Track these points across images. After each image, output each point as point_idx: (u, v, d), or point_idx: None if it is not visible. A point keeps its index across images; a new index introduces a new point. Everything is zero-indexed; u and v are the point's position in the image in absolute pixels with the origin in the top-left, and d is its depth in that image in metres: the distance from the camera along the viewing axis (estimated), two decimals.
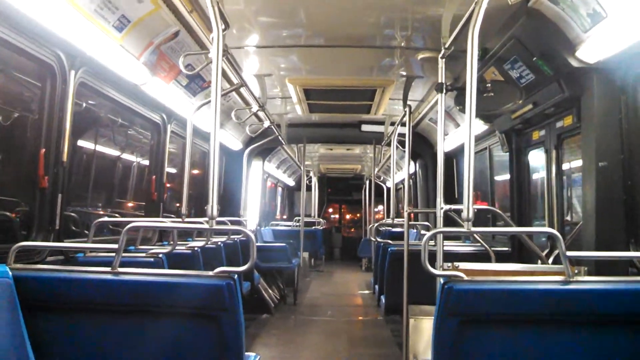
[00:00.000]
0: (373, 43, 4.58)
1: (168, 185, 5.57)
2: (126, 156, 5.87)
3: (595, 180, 3.45)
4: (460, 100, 4.66)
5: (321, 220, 13.63)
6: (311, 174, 14.43)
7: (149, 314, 2.50)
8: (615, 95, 3.44)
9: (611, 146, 3.44)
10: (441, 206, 3.37)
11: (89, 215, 4.91)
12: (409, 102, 5.23)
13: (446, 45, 3.43)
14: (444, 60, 3.54)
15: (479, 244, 5.09)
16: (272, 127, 6.87)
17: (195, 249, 4.45)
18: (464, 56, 2.63)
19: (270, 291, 7.92)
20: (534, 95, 4.26)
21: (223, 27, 2.76)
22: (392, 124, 7.46)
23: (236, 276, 2.43)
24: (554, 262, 4.14)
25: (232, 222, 5.98)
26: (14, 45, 2.93)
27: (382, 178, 14.10)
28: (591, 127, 3.55)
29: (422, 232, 7.41)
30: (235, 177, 7.90)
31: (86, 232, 3.96)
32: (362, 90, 5.95)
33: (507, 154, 5.49)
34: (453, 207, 3.42)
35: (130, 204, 6.02)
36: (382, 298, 5.76)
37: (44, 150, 3.32)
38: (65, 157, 3.43)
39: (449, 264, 2.82)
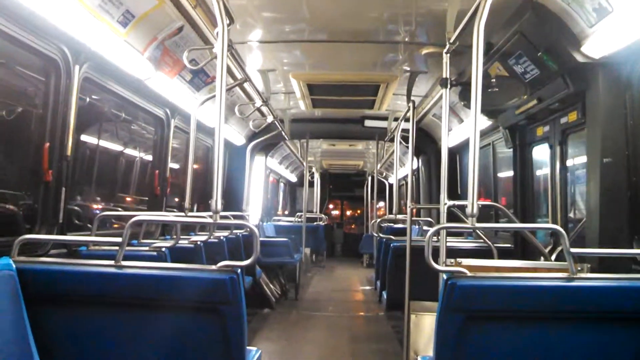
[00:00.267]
0: (377, 38, 4.57)
1: (171, 180, 5.57)
2: (130, 151, 5.88)
3: (599, 176, 3.44)
4: (464, 96, 4.65)
5: (323, 216, 13.64)
6: (313, 169, 14.42)
7: (152, 308, 2.51)
8: (620, 91, 3.42)
9: (616, 142, 3.42)
10: (445, 202, 3.37)
11: (92, 209, 4.92)
12: (412, 98, 5.21)
13: (451, 40, 3.42)
14: (448, 55, 3.53)
15: (482, 240, 5.09)
16: (276, 122, 6.87)
17: (198, 243, 4.46)
18: (469, 51, 2.62)
19: (272, 286, 7.94)
20: (539, 91, 4.24)
21: (228, 22, 2.75)
22: (396, 119, 7.44)
23: (239, 270, 2.43)
24: (557, 259, 4.13)
25: (235, 217, 5.99)
26: (19, 40, 2.94)
27: (384, 174, 14.09)
28: (596, 123, 3.54)
29: (425, 228, 7.41)
30: (238, 172, 7.91)
31: (89, 225, 3.97)
32: (366, 86, 5.94)
33: (511, 149, 5.47)
34: (457, 203, 3.41)
35: (133, 198, 6.03)
36: (384, 294, 5.77)
37: (48, 144, 3.33)
38: (69, 152, 3.44)
39: (452, 260, 2.82)
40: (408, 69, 5.41)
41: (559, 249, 4.37)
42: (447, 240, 3.63)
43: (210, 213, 2.66)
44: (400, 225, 8.27)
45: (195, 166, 6.69)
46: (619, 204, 3.41)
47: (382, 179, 13.91)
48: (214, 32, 2.83)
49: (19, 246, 2.56)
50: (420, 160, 8.98)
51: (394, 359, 5.23)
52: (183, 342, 2.49)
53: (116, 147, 5.64)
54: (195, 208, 7.01)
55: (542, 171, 5.22)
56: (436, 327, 2.41)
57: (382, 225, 8.70)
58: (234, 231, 5.80)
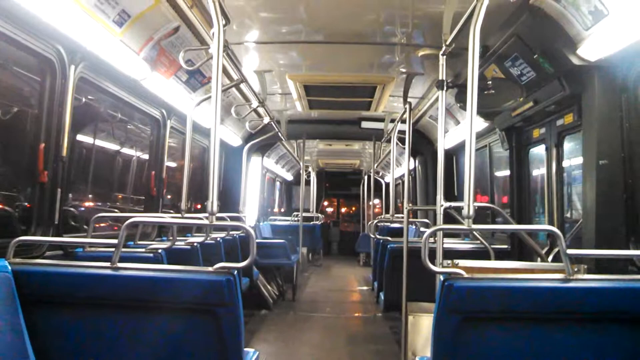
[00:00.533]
0: (373, 40, 4.57)
1: (167, 180, 5.56)
2: (126, 151, 5.87)
3: (595, 178, 3.45)
4: (460, 98, 4.65)
5: (319, 215, 13.64)
6: (310, 168, 14.42)
7: (148, 309, 2.50)
8: (616, 94, 3.44)
9: (612, 144, 3.43)
10: (441, 203, 3.37)
11: (88, 210, 4.90)
12: (409, 99, 5.22)
13: (447, 43, 3.42)
14: (444, 57, 3.54)
15: (478, 242, 5.09)
16: (272, 123, 6.87)
17: (195, 244, 4.45)
18: (465, 53, 2.62)
19: (269, 287, 7.93)
20: (535, 93, 4.26)
21: (224, 22, 2.75)
22: (392, 120, 7.46)
23: (235, 272, 2.43)
24: (553, 260, 4.14)
25: (232, 218, 5.98)
26: (14, 39, 2.93)
27: (380, 173, 14.10)
28: (592, 125, 3.55)
29: (422, 229, 7.41)
30: (235, 173, 7.91)
31: (85, 227, 3.96)
32: (362, 87, 5.94)
33: (507, 151, 5.48)
34: (453, 204, 3.42)
35: (129, 199, 6.01)
36: (381, 295, 5.77)
37: (43, 145, 3.31)
38: (64, 152, 3.42)
39: (449, 261, 2.82)
40: (404, 70, 5.42)
41: (556, 250, 4.38)
42: (444, 241, 3.64)
43: (207, 214, 2.65)
44: (396, 225, 8.28)
45: (192, 167, 6.68)
46: (615, 205, 3.42)
47: (379, 178, 13.91)
48: (210, 33, 2.81)
49: (15, 248, 2.55)
50: (416, 161, 8.99)
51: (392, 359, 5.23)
52: (179, 345, 2.48)
53: (112, 147, 5.63)
54: (191, 208, 7.00)
55: (539, 173, 5.24)
56: (433, 328, 2.41)
57: (379, 225, 8.71)
58: (231, 232, 5.79)
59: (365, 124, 8.02)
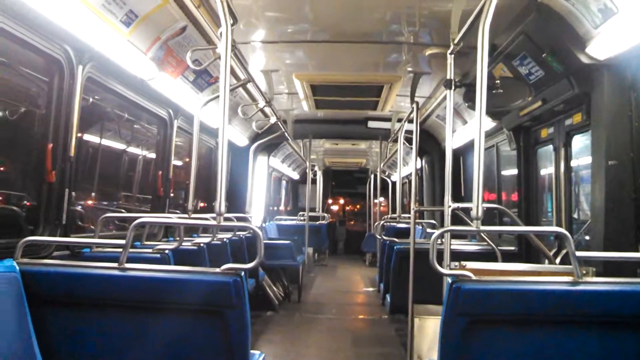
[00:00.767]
0: (380, 39, 4.56)
1: (174, 180, 5.57)
2: (133, 151, 5.88)
3: (604, 178, 3.42)
4: (468, 97, 4.62)
5: (325, 215, 13.64)
6: (316, 168, 14.41)
7: (155, 310, 2.50)
8: (625, 93, 3.40)
9: (621, 144, 3.40)
10: (449, 204, 3.34)
11: (95, 210, 4.92)
12: (416, 99, 5.19)
13: (455, 41, 3.40)
14: (452, 56, 3.51)
15: (485, 243, 5.06)
16: (279, 123, 6.86)
17: (201, 245, 4.45)
18: (473, 52, 2.60)
19: (274, 288, 7.92)
20: (543, 92, 4.22)
21: (231, 22, 2.74)
22: (399, 120, 7.43)
23: (242, 273, 2.42)
24: (562, 262, 4.11)
25: (238, 219, 5.98)
26: (23, 40, 2.94)
27: (387, 172, 14.06)
28: (601, 125, 3.51)
29: (428, 230, 7.38)
30: (241, 173, 7.91)
31: (93, 227, 3.97)
32: (369, 87, 5.93)
33: (515, 151, 5.45)
34: (461, 205, 3.39)
35: (136, 199, 6.03)
36: (387, 297, 5.74)
37: (51, 145, 3.32)
38: (72, 152, 3.43)
39: (456, 263, 2.80)
40: (412, 69, 5.40)
41: (564, 252, 4.34)
42: (451, 242, 3.61)
43: (214, 215, 2.64)
44: (403, 226, 8.24)
45: (199, 167, 6.69)
46: (624, 206, 3.38)
47: (385, 177, 13.87)
48: (217, 32, 2.81)
49: (23, 248, 2.56)
50: (423, 161, 8.96)
51: None
52: (186, 346, 2.48)
53: (119, 147, 5.65)
54: (198, 208, 7.01)
55: (547, 173, 5.20)
56: (440, 331, 2.39)
57: (385, 225, 8.68)
58: (237, 233, 5.79)
59: (372, 124, 8.00)
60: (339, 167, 16.85)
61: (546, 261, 4.36)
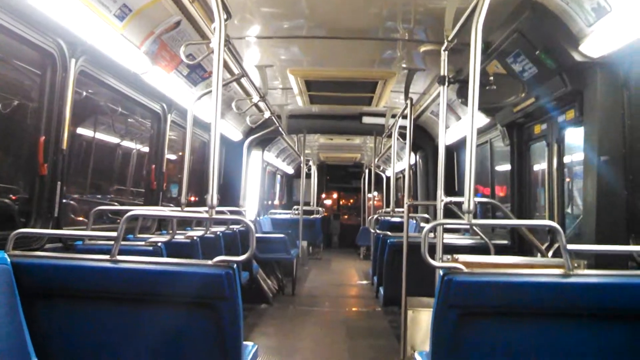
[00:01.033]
0: (375, 35, 4.56)
1: (168, 174, 5.56)
2: (126, 145, 5.87)
3: (596, 174, 3.45)
4: (462, 93, 4.65)
5: (320, 209, 13.66)
6: (310, 162, 14.42)
7: (148, 303, 2.50)
8: (618, 90, 3.43)
9: (613, 141, 3.43)
10: (442, 198, 3.37)
11: (88, 203, 4.91)
12: (410, 95, 5.21)
13: (449, 38, 3.41)
14: (446, 53, 3.53)
15: (479, 237, 5.09)
16: (273, 117, 6.86)
17: (194, 238, 4.46)
18: (467, 49, 2.62)
19: (268, 281, 7.94)
20: (536, 89, 4.25)
21: (225, 17, 2.74)
22: (394, 116, 7.44)
23: (235, 266, 2.43)
24: (553, 255, 4.14)
25: (232, 212, 5.98)
26: (15, 33, 2.92)
27: (381, 167, 14.09)
28: (593, 122, 3.54)
29: (422, 224, 7.42)
30: (235, 167, 7.91)
31: (85, 219, 3.96)
32: (364, 82, 5.93)
33: (509, 147, 5.48)
34: (453, 199, 3.42)
35: (129, 192, 6.01)
36: (381, 289, 5.78)
37: (43, 138, 3.31)
38: (64, 145, 3.42)
39: (449, 256, 2.82)
40: (406, 66, 5.41)
41: (556, 245, 4.38)
42: (445, 236, 3.63)
43: (207, 208, 2.65)
44: (397, 220, 8.28)
45: (192, 161, 6.68)
46: (615, 201, 3.42)
47: (379, 172, 13.90)
48: (211, 27, 2.81)
49: (14, 240, 2.56)
50: (418, 157, 8.99)
51: (391, 354, 5.24)
52: (178, 337, 2.49)
53: (112, 141, 5.63)
54: (192, 203, 7.01)
55: (539, 168, 5.23)
56: (432, 322, 2.42)
57: (379, 219, 8.71)
58: (231, 226, 5.80)
59: (366, 119, 8.02)
60: (334, 162, 16.88)
61: (538, 254, 4.40)
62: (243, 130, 7.91)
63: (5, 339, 2.22)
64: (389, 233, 6.08)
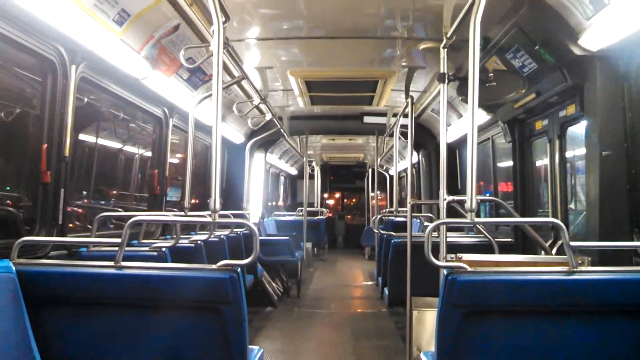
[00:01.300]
0: (374, 34, 4.56)
1: (171, 179, 5.57)
2: (128, 150, 5.88)
3: (599, 169, 3.44)
4: (462, 91, 4.63)
5: (324, 210, 13.63)
6: (313, 163, 14.41)
7: (153, 308, 2.51)
8: (618, 83, 3.42)
9: (615, 135, 3.41)
10: (444, 197, 3.36)
11: (91, 209, 4.92)
12: (411, 93, 5.21)
13: (448, 35, 3.41)
14: (445, 50, 3.52)
15: (482, 235, 5.08)
16: (274, 119, 6.86)
17: (198, 242, 4.46)
18: (466, 46, 2.61)
19: (273, 284, 7.94)
20: (537, 84, 4.23)
21: (223, 19, 2.74)
22: (395, 115, 7.44)
23: (239, 269, 2.43)
24: (557, 253, 4.13)
25: (235, 216, 5.99)
26: (15, 41, 2.93)
27: (384, 167, 14.09)
28: (594, 116, 3.53)
29: (425, 223, 7.40)
30: (238, 170, 7.91)
31: (89, 226, 3.97)
32: (364, 82, 5.93)
33: (510, 143, 5.46)
34: (456, 198, 3.41)
35: (133, 198, 6.03)
36: (386, 290, 5.77)
37: (46, 145, 3.32)
38: (67, 152, 3.43)
39: (452, 256, 2.81)
40: (406, 64, 5.40)
41: (559, 242, 4.37)
42: (448, 235, 3.62)
43: (210, 212, 2.65)
44: (400, 219, 8.26)
45: (195, 165, 6.69)
46: (618, 196, 3.41)
47: (383, 172, 13.89)
48: (210, 30, 2.81)
49: (19, 248, 2.56)
50: (420, 155, 8.97)
51: (397, 355, 5.23)
52: (184, 342, 2.49)
53: (115, 146, 5.64)
54: (195, 207, 7.01)
55: (542, 164, 5.21)
56: (437, 322, 2.41)
57: (383, 218, 8.69)
58: (235, 230, 5.80)
59: (367, 119, 8.01)
60: (337, 162, 16.87)
61: (542, 252, 4.38)
62: (245, 132, 7.92)
63: (11, 346, 2.23)
64: (392, 233, 6.07)
